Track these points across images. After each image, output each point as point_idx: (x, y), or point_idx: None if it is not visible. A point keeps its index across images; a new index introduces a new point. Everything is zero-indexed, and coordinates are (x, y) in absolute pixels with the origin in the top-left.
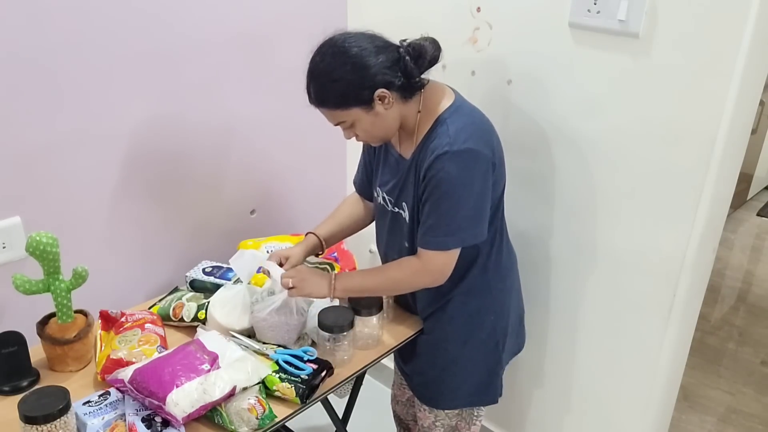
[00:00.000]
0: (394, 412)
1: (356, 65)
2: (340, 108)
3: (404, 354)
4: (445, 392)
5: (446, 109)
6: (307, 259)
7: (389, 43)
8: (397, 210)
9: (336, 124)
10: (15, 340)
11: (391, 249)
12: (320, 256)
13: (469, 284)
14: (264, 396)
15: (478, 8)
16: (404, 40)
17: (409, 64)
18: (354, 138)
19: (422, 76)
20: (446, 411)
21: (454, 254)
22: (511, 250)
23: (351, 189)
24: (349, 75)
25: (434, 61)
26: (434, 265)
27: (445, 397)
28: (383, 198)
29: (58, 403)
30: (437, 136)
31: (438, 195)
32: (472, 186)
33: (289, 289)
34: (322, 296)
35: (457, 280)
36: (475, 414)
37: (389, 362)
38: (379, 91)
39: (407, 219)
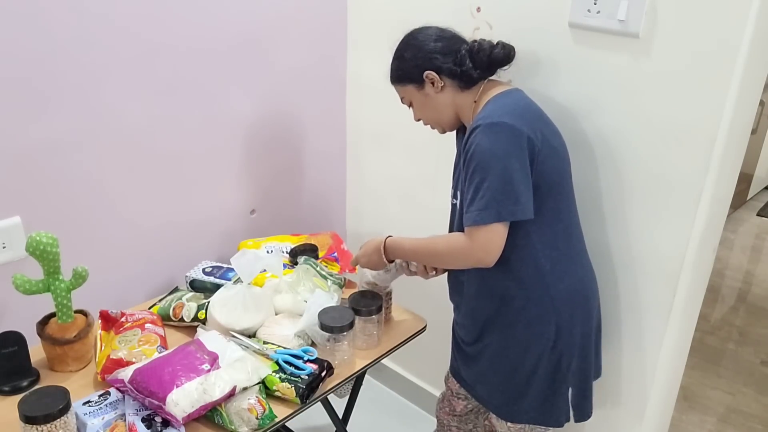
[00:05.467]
0: (441, 421)
1: (414, 47)
2: (399, 83)
3: (462, 363)
4: (508, 402)
5: (495, 95)
6: (308, 260)
7: (456, 36)
8: (454, 201)
9: (402, 102)
10: (15, 340)
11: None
12: (321, 256)
13: (527, 290)
14: (264, 396)
15: (478, 8)
16: (484, 39)
17: (464, 56)
18: (422, 123)
19: (490, 75)
20: (509, 424)
21: (497, 230)
22: (584, 263)
23: (350, 188)
24: (407, 54)
25: (496, 61)
26: (477, 242)
27: (508, 408)
28: (452, 195)
29: (58, 403)
30: (477, 116)
31: (471, 168)
32: (505, 158)
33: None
34: (378, 253)
35: (516, 282)
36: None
37: (389, 362)
38: (427, 72)
39: (458, 206)
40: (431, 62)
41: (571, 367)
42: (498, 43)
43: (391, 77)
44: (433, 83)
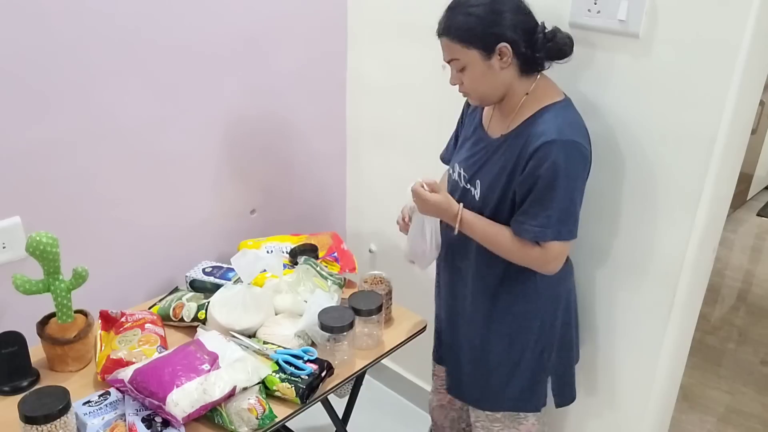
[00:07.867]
0: (434, 421)
1: (494, 9)
2: (462, 43)
3: (447, 350)
4: (488, 394)
5: (555, 102)
6: (308, 260)
7: (532, 14)
8: (468, 187)
9: (449, 61)
10: (15, 340)
11: (450, 227)
12: (321, 256)
13: (517, 287)
14: (264, 396)
15: None
16: (556, 27)
17: (540, 39)
18: (458, 87)
19: (545, 64)
20: (487, 413)
21: (567, 246)
22: (567, 259)
23: (350, 188)
24: (483, 13)
25: (561, 51)
26: (551, 255)
27: (488, 399)
28: (459, 174)
29: (58, 403)
30: (543, 122)
31: (543, 184)
32: (575, 180)
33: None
34: (445, 216)
35: (506, 280)
36: (522, 417)
37: (389, 362)
38: (502, 45)
39: (477, 197)
40: (511, 35)
41: (551, 357)
42: (566, 35)
43: (454, 32)
44: (502, 58)
